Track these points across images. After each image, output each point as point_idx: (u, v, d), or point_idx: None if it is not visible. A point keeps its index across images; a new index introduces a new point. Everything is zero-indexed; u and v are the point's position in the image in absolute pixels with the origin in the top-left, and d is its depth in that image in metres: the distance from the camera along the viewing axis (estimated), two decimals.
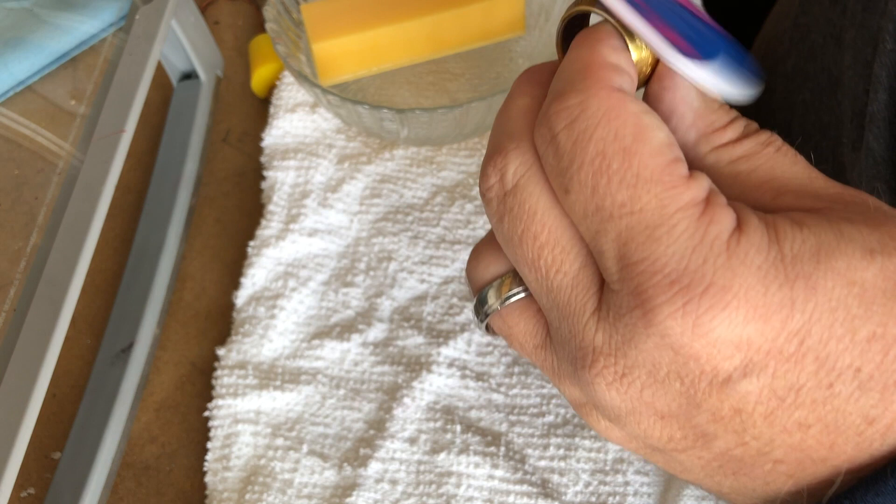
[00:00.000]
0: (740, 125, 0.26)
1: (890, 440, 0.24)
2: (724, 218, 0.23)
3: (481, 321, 0.29)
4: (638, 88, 0.27)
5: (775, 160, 0.25)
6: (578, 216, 0.25)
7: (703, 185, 0.24)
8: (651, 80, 0.27)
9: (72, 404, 0.44)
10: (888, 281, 0.23)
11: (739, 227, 0.23)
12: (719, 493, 0.27)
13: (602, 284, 0.25)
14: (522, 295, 0.28)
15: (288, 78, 0.53)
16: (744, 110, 0.27)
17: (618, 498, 0.40)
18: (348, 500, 0.41)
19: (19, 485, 0.42)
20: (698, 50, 0.25)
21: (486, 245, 0.29)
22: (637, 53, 0.26)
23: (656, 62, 0.27)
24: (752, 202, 0.25)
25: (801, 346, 0.23)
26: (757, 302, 0.22)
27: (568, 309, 0.26)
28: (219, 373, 0.44)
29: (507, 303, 0.28)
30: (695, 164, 0.26)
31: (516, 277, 0.28)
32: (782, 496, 0.26)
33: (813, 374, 0.23)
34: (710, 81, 0.25)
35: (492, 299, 0.28)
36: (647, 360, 0.24)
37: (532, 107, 0.26)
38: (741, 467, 0.25)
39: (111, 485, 0.42)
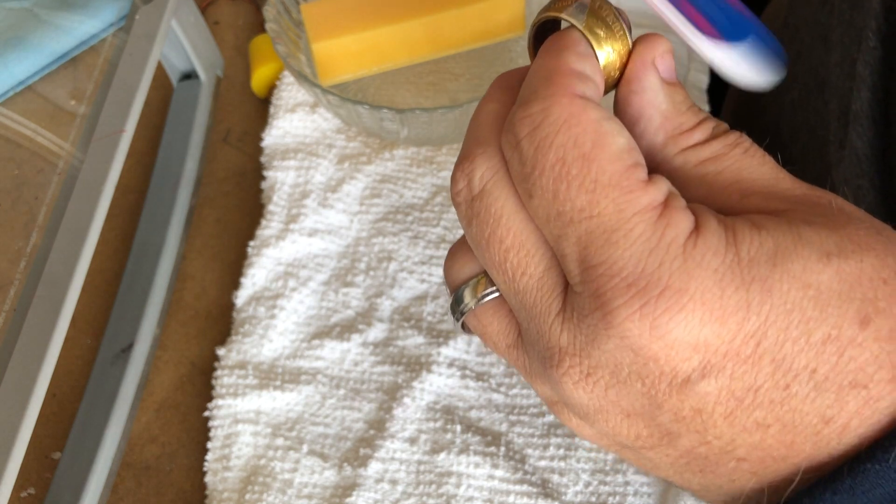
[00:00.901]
0: (709, 126, 0.27)
1: (846, 439, 0.24)
2: (681, 221, 0.24)
3: (457, 320, 0.30)
4: (607, 92, 0.27)
5: (742, 162, 0.26)
6: (542, 220, 0.25)
7: (661, 188, 0.24)
8: (620, 84, 0.27)
9: (72, 404, 0.44)
10: (843, 283, 0.23)
11: (697, 229, 0.24)
12: (690, 489, 0.28)
13: (567, 286, 0.26)
14: (496, 294, 0.28)
15: (288, 78, 0.53)
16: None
17: (618, 498, 0.40)
18: (348, 500, 0.41)
19: (19, 485, 0.42)
20: (724, 32, 0.25)
21: (462, 245, 0.29)
22: (604, 58, 0.27)
23: (625, 66, 0.27)
24: (719, 204, 0.25)
25: (757, 348, 0.23)
26: (713, 304, 0.23)
27: (534, 310, 0.26)
28: (219, 373, 0.44)
29: (482, 302, 0.29)
30: (663, 167, 0.27)
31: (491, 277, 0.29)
32: (747, 492, 0.26)
33: (770, 375, 0.23)
34: (734, 66, 0.25)
35: (467, 298, 0.29)
36: (610, 360, 0.24)
37: (501, 113, 0.27)
38: (707, 465, 0.26)
39: (111, 485, 0.42)
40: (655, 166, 0.27)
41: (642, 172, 0.25)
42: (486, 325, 0.29)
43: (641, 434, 0.26)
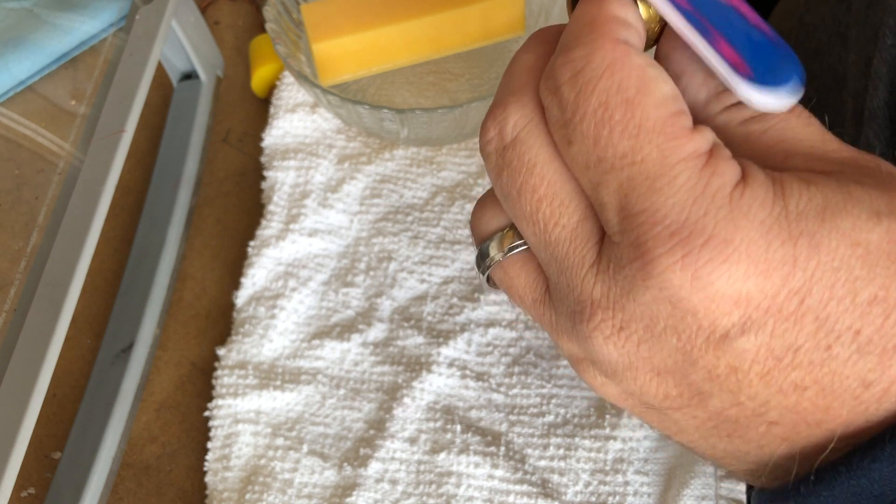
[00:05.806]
0: None
1: (886, 404, 0.23)
2: (728, 170, 0.23)
3: (483, 273, 0.29)
4: (648, 48, 0.27)
5: (787, 121, 0.25)
6: (580, 168, 0.24)
7: (706, 137, 0.24)
8: (660, 40, 0.27)
9: (72, 404, 0.44)
10: (893, 244, 0.22)
11: (744, 180, 0.23)
12: (713, 456, 0.27)
13: (601, 237, 0.25)
14: (524, 247, 0.28)
15: (288, 78, 0.53)
16: None
17: (618, 498, 0.40)
18: (348, 499, 0.41)
19: (19, 485, 0.42)
20: (764, 70, 0.24)
21: (489, 198, 0.29)
22: (645, 12, 0.26)
23: (665, 21, 0.26)
24: (762, 164, 0.25)
25: (801, 306, 0.23)
26: (758, 257, 0.22)
27: (566, 262, 0.25)
28: (219, 373, 0.44)
29: (509, 255, 0.28)
30: (705, 125, 0.26)
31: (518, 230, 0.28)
32: (775, 459, 0.25)
33: (812, 334, 0.23)
34: (773, 104, 0.24)
35: (493, 251, 0.28)
36: (645, 313, 0.24)
37: (536, 63, 0.26)
38: (736, 429, 0.25)
39: (111, 485, 0.42)
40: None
41: (687, 120, 0.24)
42: (512, 279, 0.28)
43: (670, 393, 0.25)
